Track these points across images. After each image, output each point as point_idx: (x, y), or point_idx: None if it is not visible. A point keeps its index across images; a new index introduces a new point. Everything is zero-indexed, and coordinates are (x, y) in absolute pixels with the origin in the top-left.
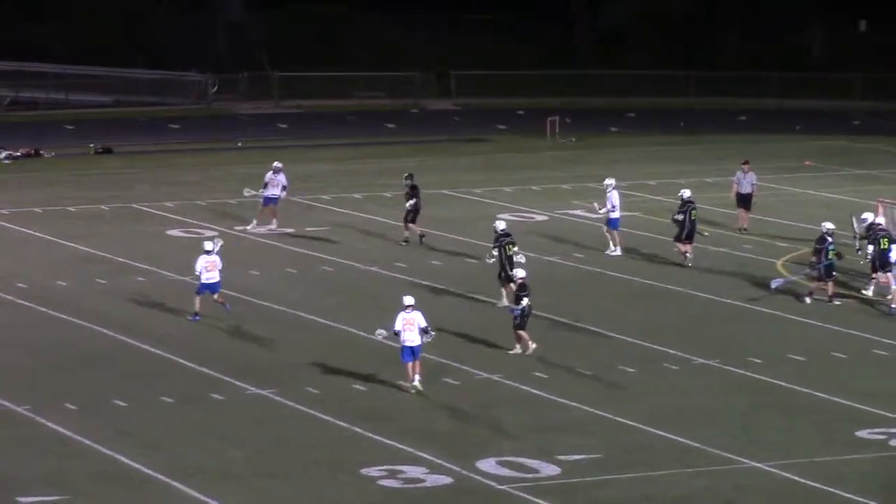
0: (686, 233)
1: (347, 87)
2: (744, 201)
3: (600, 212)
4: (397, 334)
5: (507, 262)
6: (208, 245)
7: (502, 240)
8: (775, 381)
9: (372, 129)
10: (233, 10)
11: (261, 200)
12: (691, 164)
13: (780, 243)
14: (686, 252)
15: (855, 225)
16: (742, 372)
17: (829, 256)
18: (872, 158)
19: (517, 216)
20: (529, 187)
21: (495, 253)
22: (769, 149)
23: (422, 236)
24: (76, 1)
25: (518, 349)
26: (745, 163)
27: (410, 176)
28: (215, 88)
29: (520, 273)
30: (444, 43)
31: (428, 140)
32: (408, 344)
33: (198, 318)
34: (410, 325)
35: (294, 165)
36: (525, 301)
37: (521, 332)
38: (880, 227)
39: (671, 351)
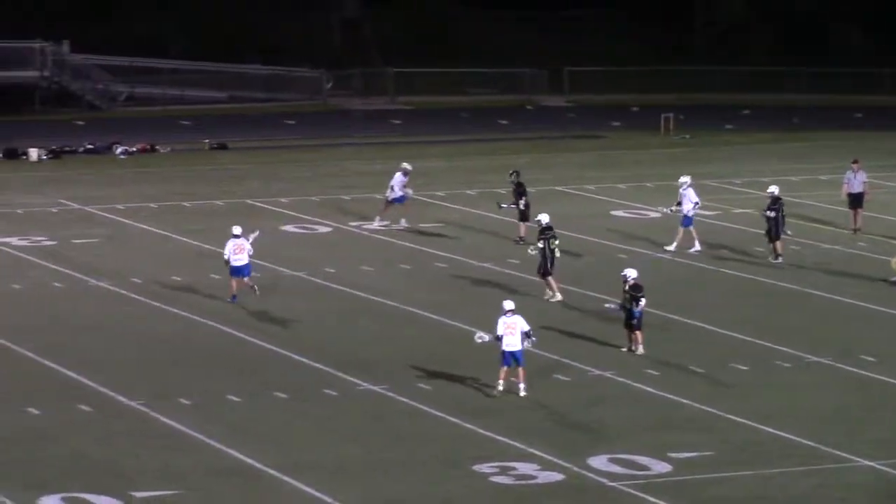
0: (775, 230)
1: (460, 83)
2: (855, 201)
3: (673, 209)
4: (499, 339)
5: (550, 256)
6: (237, 229)
7: (546, 233)
8: (889, 380)
9: (485, 125)
10: (349, 7)
11: (390, 199)
12: (805, 162)
13: (895, 241)
14: (778, 250)
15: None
16: (855, 370)
17: None
18: None
19: (631, 213)
20: (643, 184)
21: (540, 245)
22: (886, 146)
23: (521, 239)
24: None
25: (633, 349)
26: (855, 162)
27: (516, 173)
28: (330, 84)
29: (632, 273)
30: (557, 39)
31: (541, 136)
32: (509, 349)
33: (235, 299)
34: (512, 329)
35: (407, 162)
36: (643, 302)
37: (636, 333)
38: None
39: (783, 348)
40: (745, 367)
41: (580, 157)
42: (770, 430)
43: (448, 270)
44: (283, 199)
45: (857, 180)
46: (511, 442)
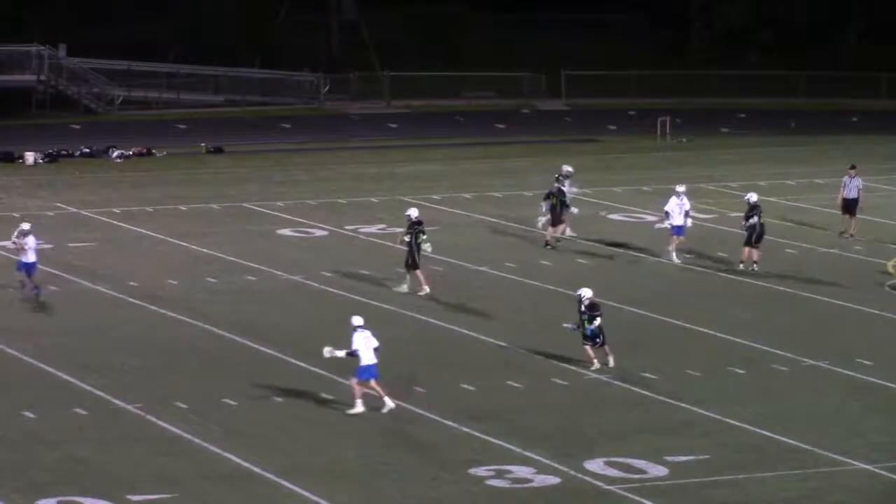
0: (756, 237)
1: (457, 86)
2: (850, 206)
3: (665, 224)
4: (353, 354)
5: (416, 251)
6: (25, 225)
7: (415, 227)
8: (886, 384)
9: (482, 129)
10: (347, 10)
11: None
12: (801, 166)
13: (892, 245)
14: (752, 258)
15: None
16: (852, 374)
17: None
18: None
19: (628, 216)
20: (640, 188)
21: (407, 239)
22: (881, 150)
23: (555, 242)
24: (189, 0)
25: (597, 365)
26: (852, 167)
27: (563, 177)
28: (327, 88)
29: (587, 293)
30: (555, 43)
31: (538, 140)
32: (369, 362)
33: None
34: (369, 342)
35: (403, 166)
36: (598, 321)
37: (605, 348)
38: None
39: (780, 352)
40: (742, 371)
41: (577, 161)
42: (767, 433)
43: (444, 274)
44: (279, 203)
45: (852, 185)
46: (507, 445)
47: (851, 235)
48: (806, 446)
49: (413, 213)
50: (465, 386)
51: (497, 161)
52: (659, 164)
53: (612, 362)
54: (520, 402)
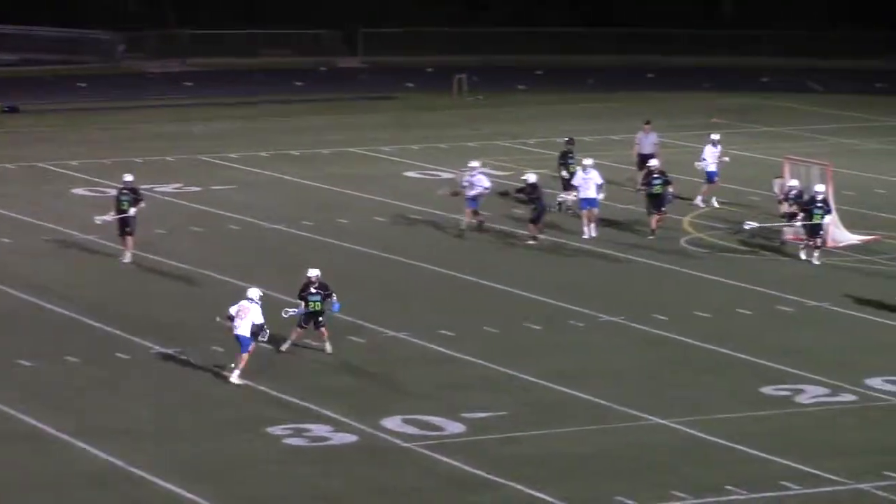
0: (536, 216)
1: (255, 44)
2: (645, 162)
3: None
4: (231, 319)
5: (126, 216)
6: None
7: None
8: (681, 338)
9: (280, 87)
10: None
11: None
12: (598, 122)
13: (687, 200)
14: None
15: (776, 189)
16: (648, 329)
17: (816, 219)
18: (780, 116)
19: (424, 174)
20: (437, 145)
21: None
22: (677, 106)
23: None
24: None
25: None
26: (647, 123)
27: (570, 140)
28: (123, 48)
29: (314, 272)
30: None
31: (336, 98)
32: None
33: None
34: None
35: (200, 125)
36: (334, 297)
37: (322, 330)
38: (820, 199)
39: (577, 308)
40: (538, 327)
41: (375, 119)
42: (564, 389)
43: (240, 232)
44: (73, 163)
45: (647, 141)
46: (305, 404)
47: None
48: (603, 401)
49: (127, 177)
50: (263, 344)
51: (294, 119)
52: (456, 121)
53: (329, 348)
54: (317, 361)
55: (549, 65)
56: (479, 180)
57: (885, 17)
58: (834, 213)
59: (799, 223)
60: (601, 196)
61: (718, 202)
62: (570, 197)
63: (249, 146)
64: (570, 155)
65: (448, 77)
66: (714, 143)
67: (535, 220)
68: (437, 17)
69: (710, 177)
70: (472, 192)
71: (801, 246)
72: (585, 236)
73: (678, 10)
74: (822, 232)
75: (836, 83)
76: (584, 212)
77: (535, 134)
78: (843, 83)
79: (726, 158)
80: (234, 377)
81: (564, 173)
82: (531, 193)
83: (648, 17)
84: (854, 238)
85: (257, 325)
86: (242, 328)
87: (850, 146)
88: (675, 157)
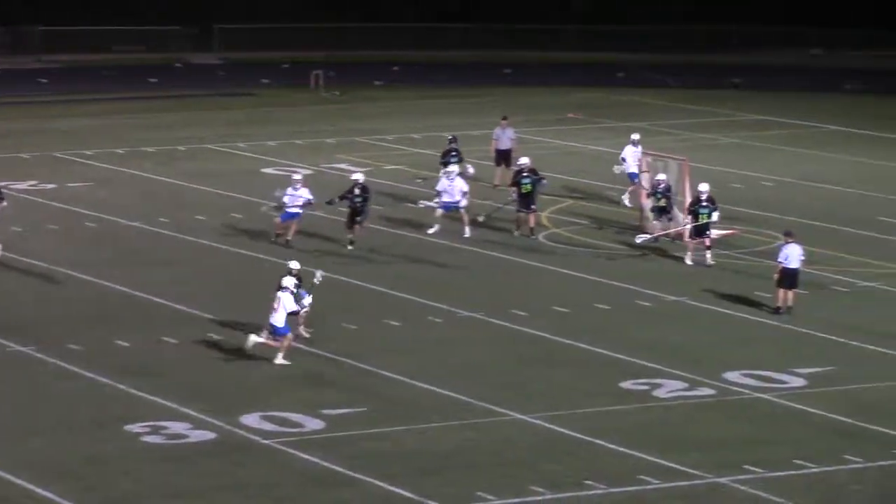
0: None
1: (110, 41)
2: (503, 157)
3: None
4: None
5: None
6: None
7: None
8: (540, 334)
9: (135, 83)
10: None
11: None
12: (456, 117)
13: (545, 195)
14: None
15: (644, 182)
16: (507, 324)
17: (702, 219)
18: (635, 110)
19: (281, 170)
20: (294, 141)
21: None
22: (533, 101)
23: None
24: None
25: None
26: (504, 118)
27: (454, 139)
28: None
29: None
30: None
31: (191, 94)
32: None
33: None
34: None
35: (55, 121)
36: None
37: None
38: (705, 198)
39: (436, 304)
40: (397, 323)
41: (231, 115)
42: (423, 385)
43: (97, 230)
44: None
45: (505, 136)
46: (162, 401)
47: (508, 186)
48: (462, 397)
49: None
50: (120, 342)
51: (150, 116)
52: (313, 117)
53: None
54: (175, 358)
55: (407, 60)
56: (301, 195)
57: (739, 12)
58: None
59: (688, 225)
60: (465, 203)
61: (575, 196)
62: (431, 203)
63: (105, 143)
64: (453, 154)
65: (305, 73)
66: (634, 144)
67: (355, 222)
68: (294, 13)
69: (631, 178)
70: (293, 206)
71: (689, 248)
72: (466, 235)
73: (532, 6)
74: (708, 232)
75: (690, 78)
76: (445, 213)
77: (392, 130)
78: (697, 78)
79: (648, 158)
80: (279, 359)
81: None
82: (363, 193)
83: (503, 12)
84: (713, 233)
85: (294, 310)
86: (277, 318)
87: (705, 141)
88: (529, 154)
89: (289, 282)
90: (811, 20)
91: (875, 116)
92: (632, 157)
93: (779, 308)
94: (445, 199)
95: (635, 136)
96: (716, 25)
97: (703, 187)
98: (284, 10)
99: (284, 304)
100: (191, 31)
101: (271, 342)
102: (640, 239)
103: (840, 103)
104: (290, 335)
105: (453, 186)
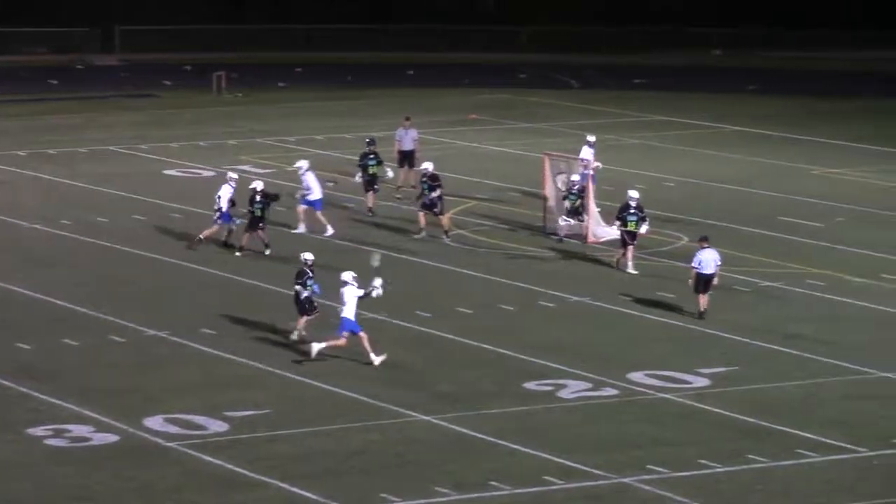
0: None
1: (11, 41)
2: (406, 158)
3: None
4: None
5: None
6: None
7: None
8: (444, 335)
9: (35, 85)
10: None
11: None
12: (359, 119)
13: (447, 196)
14: (258, 239)
15: (559, 183)
16: (411, 326)
17: (631, 226)
18: (538, 111)
19: (184, 172)
20: (196, 143)
21: None
22: (436, 102)
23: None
24: None
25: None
26: (407, 119)
27: (372, 141)
28: None
29: (308, 256)
30: None
31: (93, 96)
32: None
33: None
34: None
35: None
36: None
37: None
38: (634, 205)
39: (337, 305)
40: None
41: (133, 117)
42: (326, 386)
43: None
44: None
45: (408, 137)
46: (65, 404)
47: (413, 187)
48: (366, 398)
49: None
50: (21, 345)
51: (51, 118)
52: (215, 118)
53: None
54: (77, 360)
55: (310, 62)
56: (308, 180)
57: (641, 14)
58: (594, 209)
59: (617, 230)
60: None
61: (479, 197)
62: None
63: (5, 145)
64: (371, 156)
65: (207, 75)
66: (590, 145)
67: (250, 228)
68: (196, 15)
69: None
70: (308, 195)
71: (620, 255)
72: (300, 231)
73: (437, 6)
74: (635, 241)
75: (593, 79)
76: (306, 209)
77: (295, 131)
78: (600, 79)
79: (598, 164)
80: (375, 359)
81: (360, 175)
82: (263, 199)
83: (407, 13)
84: (615, 233)
85: (361, 298)
86: (347, 311)
87: (609, 141)
88: (432, 155)
89: (347, 276)
90: (713, 21)
91: (777, 117)
92: (588, 156)
93: (702, 313)
94: (311, 196)
95: (591, 138)
96: (621, 27)
97: (634, 194)
98: (187, 11)
99: (347, 298)
100: (93, 32)
101: (337, 342)
102: (561, 233)
103: (742, 104)
104: (362, 333)
105: (304, 180)
